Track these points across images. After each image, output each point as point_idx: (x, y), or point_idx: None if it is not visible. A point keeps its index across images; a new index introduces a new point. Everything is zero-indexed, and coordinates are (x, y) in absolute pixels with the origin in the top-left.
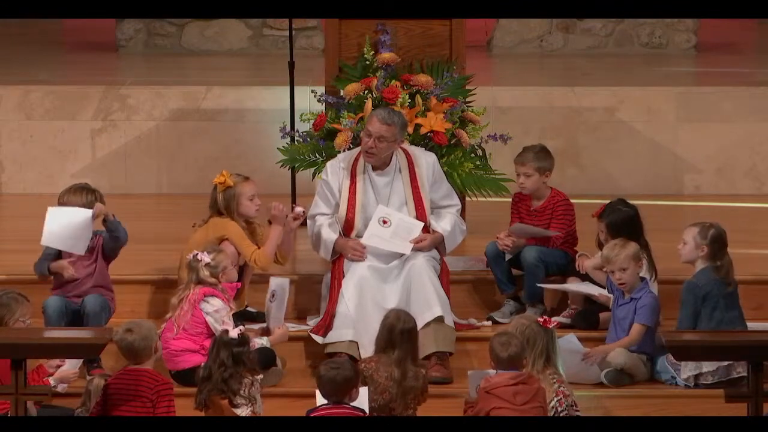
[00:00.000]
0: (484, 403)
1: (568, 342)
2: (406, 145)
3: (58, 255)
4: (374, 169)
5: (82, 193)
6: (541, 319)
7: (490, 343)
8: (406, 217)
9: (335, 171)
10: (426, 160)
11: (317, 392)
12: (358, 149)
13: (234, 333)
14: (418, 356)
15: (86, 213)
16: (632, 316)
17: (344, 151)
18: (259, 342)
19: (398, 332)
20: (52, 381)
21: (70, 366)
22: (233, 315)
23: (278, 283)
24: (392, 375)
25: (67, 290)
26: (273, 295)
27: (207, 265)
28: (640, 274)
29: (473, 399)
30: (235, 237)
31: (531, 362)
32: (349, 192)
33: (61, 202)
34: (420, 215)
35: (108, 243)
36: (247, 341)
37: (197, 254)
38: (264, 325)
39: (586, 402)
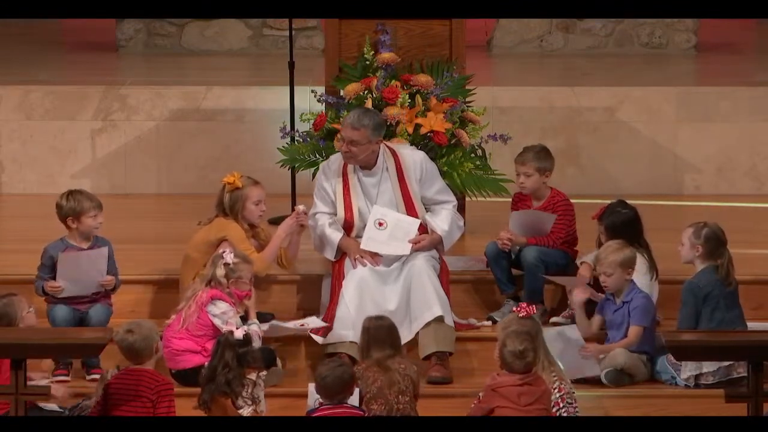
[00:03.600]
0: (489, 400)
1: (570, 330)
2: (394, 145)
3: (53, 275)
4: (362, 169)
5: (79, 198)
6: (523, 311)
7: (502, 352)
8: (403, 216)
9: (327, 173)
10: (413, 159)
11: (309, 392)
12: None
13: (239, 333)
14: (401, 352)
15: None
16: (628, 319)
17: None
18: (253, 329)
19: (374, 329)
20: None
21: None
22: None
23: (315, 321)
24: (378, 372)
25: (70, 299)
26: (302, 324)
27: (226, 264)
28: (634, 277)
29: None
30: (235, 239)
31: (538, 358)
32: (343, 193)
33: (61, 211)
34: (410, 214)
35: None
36: (251, 340)
37: (225, 251)
38: (265, 326)
39: (586, 402)
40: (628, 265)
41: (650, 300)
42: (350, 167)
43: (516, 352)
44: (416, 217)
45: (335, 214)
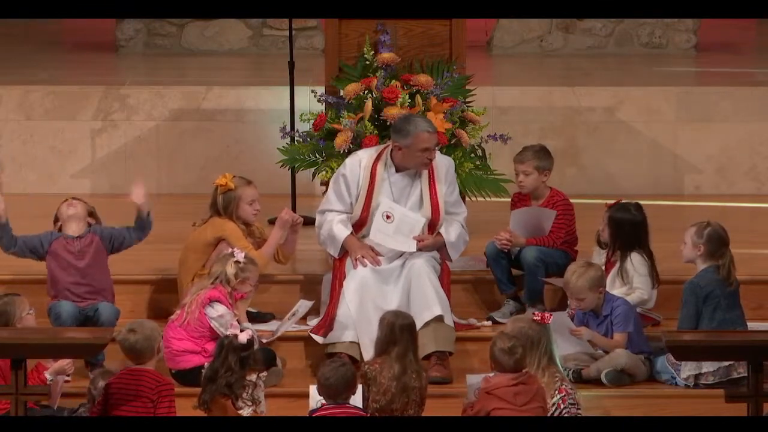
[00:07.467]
0: (485, 404)
1: (562, 315)
2: None
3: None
4: (397, 170)
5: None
6: (538, 316)
7: (492, 350)
8: (409, 212)
9: (355, 167)
10: (444, 163)
11: (311, 392)
12: (379, 148)
13: (243, 337)
14: (419, 355)
15: None
16: (612, 328)
17: (344, 151)
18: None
19: (398, 328)
20: (48, 375)
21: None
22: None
23: (304, 305)
24: (393, 372)
25: (71, 296)
26: (294, 314)
27: (237, 262)
28: (634, 278)
29: (471, 401)
30: (233, 237)
31: (536, 362)
32: (367, 191)
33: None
34: (435, 217)
35: (127, 236)
36: (254, 344)
37: (235, 250)
38: (267, 327)
39: (586, 402)
40: (598, 284)
41: (628, 305)
42: (381, 166)
43: (504, 348)
44: (438, 220)
45: (347, 213)
